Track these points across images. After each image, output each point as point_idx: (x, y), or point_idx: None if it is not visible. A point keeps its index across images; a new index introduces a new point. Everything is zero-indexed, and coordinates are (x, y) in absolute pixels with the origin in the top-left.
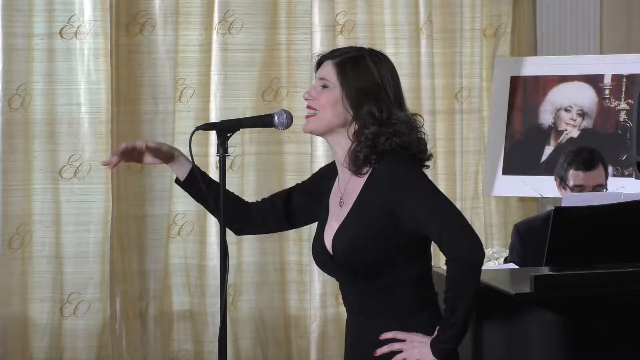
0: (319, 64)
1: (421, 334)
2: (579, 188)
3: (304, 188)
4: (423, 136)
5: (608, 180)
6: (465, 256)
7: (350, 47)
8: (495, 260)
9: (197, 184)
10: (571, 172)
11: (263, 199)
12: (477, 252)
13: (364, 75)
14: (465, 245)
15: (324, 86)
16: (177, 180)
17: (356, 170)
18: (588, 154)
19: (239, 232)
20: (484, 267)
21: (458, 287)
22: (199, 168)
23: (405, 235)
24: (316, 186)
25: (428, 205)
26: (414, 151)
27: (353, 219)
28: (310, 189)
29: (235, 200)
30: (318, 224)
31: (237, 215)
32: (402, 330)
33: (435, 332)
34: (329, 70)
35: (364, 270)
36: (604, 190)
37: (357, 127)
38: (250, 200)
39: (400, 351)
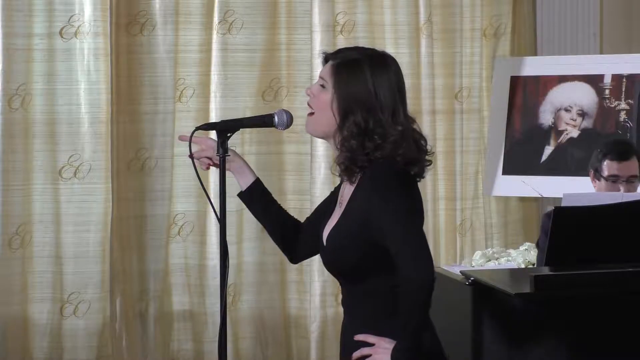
0: (326, 61)
1: (389, 339)
2: (613, 178)
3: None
4: (411, 150)
5: None
6: (413, 279)
7: (354, 49)
8: (496, 261)
9: (256, 201)
10: (606, 162)
11: (308, 218)
12: (424, 278)
13: (356, 82)
14: (415, 270)
15: (322, 86)
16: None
17: (346, 179)
18: (623, 146)
19: (292, 259)
20: (483, 267)
21: (407, 305)
22: (263, 188)
23: (380, 244)
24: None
25: (394, 220)
26: (400, 165)
27: (342, 224)
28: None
29: (291, 223)
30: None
31: (290, 240)
32: (379, 333)
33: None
34: (327, 70)
35: (345, 273)
36: (638, 182)
37: (342, 135)
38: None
39: (369, 355)
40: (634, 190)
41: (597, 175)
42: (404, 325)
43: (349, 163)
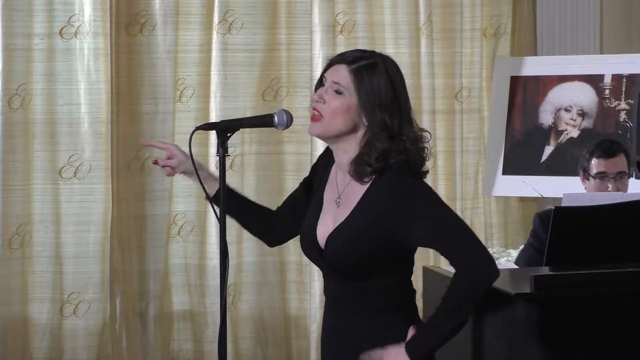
0: (329, 66)
1: (393, 344)
2: (601, 175)
3: (308, 184)
4: (426, 153)
5: (631, 172)
6: (481, 276)
7: (363, 53)
8: (496, 260)
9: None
10: (593, 160)
11: (283, 204)
12: (492, 272)
13: (380, 84)
14: (481, 265)
15: (338, 91)
16: (207, 196)
17: (358, 178)
18: (609, 143)
19: (271, 243)
20: None
21: (461, 301)
22: (228, 187)
23: (399, 246)
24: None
25: (439, 220)
26: (415, 167)
27: (352, 223)
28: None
29: (261, 212)
30: (309, 212)
31: (264, 228)
32: (375, 329)
33: (413, 333)
34: (343, 75)
35: (351, 272)
36: (627, 177)
37: (368, 136)
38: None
39: None
40: (624, 186)
41: (586, 175)
42: (444, 319)
43: (379, 164)
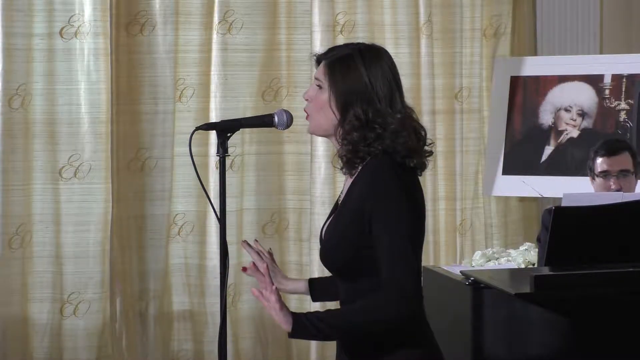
0: (318, 63)
1: (278, 299)
2: (604, 174)
3: None
4: (411, 139)
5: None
6: (383, 310)
7: (344, 46)
8: (496, 260)
9: (325, 293)
10: (597, 159)
11: None
12: (389, 319)
13: (350, 75)
14: (391, 303)
15: (319, 87)
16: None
17: (346, 173)
18: (612, 142)
19: None
20: (483, 267)
21: (360, 316)
22: (316, 281)
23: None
24: None
25: (386, 236)
26: (400, 157)
27: (337, 221)
28: None
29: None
30: None
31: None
32: (385, 345)
33: (310, 312)
34: (321, 70)
35: (338, 269)
36: (631, 175)
37: (344, 130)
38: (250, 202)
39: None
40: (629, 184)
41: (592, 174)
42: (338, 317)
43: (351, 155)
